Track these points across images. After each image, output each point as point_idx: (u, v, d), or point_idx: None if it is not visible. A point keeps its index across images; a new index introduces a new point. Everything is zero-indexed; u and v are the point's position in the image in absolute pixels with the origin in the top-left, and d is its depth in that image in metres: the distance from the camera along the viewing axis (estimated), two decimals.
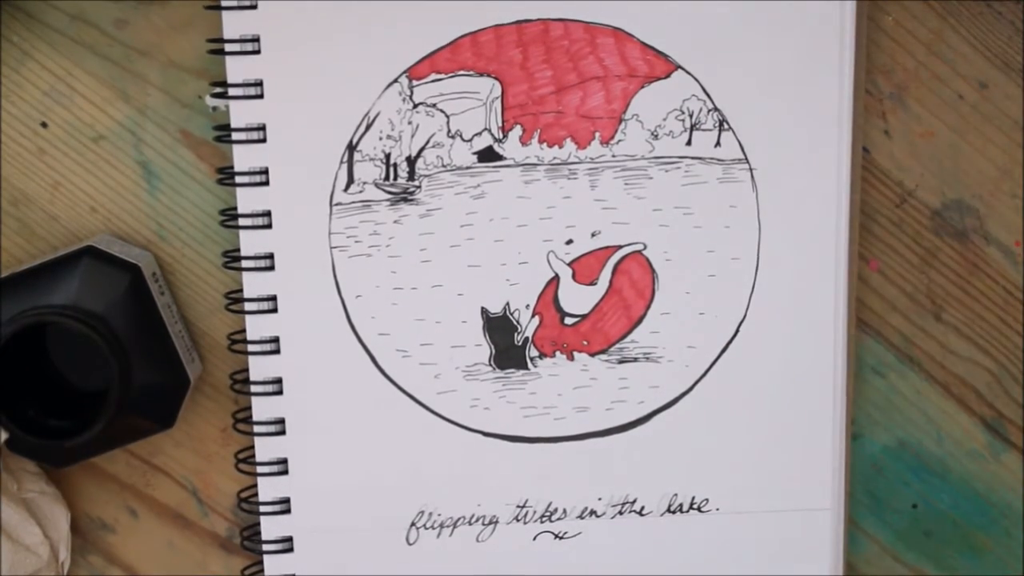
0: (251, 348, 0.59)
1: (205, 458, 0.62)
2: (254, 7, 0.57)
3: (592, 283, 0.60)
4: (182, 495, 0.62)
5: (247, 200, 0.58)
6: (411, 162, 0.58)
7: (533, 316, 0.60)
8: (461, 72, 0.58)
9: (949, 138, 0.61)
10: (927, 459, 0.64)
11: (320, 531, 0.61)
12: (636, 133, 0.59)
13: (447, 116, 0.58)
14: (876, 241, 0.62)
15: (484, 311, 0.60)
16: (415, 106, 0.58)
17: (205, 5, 0.58)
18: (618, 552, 0.62)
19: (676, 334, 0.61)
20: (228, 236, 0.60)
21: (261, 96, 0.57)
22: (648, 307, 0.60)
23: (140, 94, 0.59)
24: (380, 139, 0.58)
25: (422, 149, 0.58)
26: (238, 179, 0.58)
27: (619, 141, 0.59)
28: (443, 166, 0.58)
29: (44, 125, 0.59)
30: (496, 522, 0.62)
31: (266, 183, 0.58)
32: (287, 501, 0.60)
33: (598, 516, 0.62)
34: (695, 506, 0.62)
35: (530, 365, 0.60)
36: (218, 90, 0.58)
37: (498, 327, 0.60)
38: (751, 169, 0.59)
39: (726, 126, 0.59)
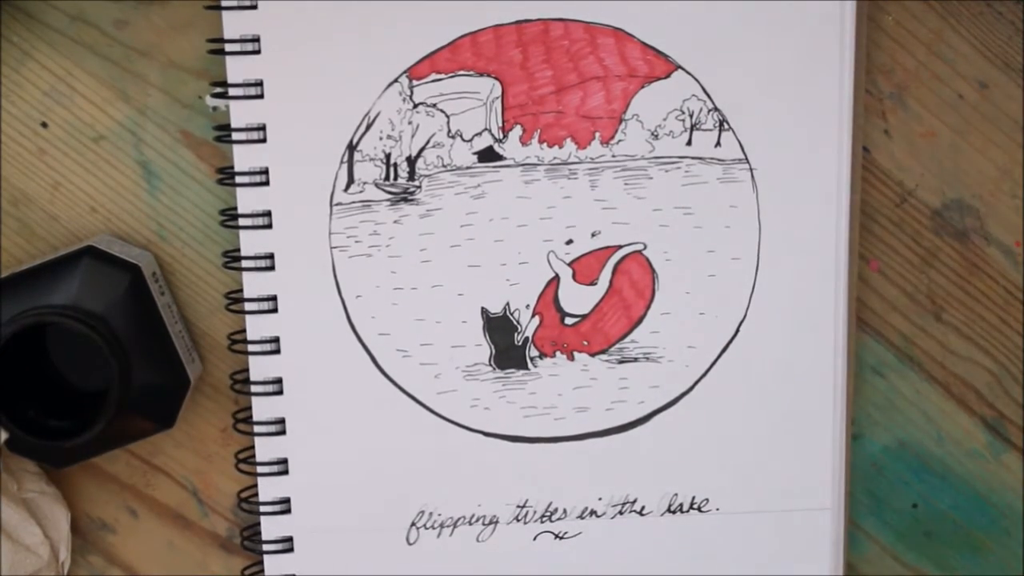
0: (251, 348, 0.59)
1: (205, 458, 0.62)
2: (254, 7, 0.57)
3: (592, 283, 0.60)
4: (182, 495, 0.62)
5: (247, 200, 0.58)
6: (411, 162, 0.58)
7: (533, 316, 0.60)
8: (461, 72, 0.58)
9: (949, 138, 0.61)
10: (927, 459, 0.64)
11: (320, 531, 0.61)
12: (636, 133, 0.59)
13: (447, 116, 0.58)
14: (876, 241, 0.62)
15: (484, 311, 0.60)
16: (415, 106, 0.58)
17: (205, 5, 0.58)
18: (618, 552, 0.62)
19: (676, 334, 0.61)
20: (228, 236, 0.60)
21: (261, 96, 0.57)
22: (648, 307, 0.60)
23: (140, 94, 0.59)
24: (380, 139, 0.58)
25: (422, 149, 0.58)
26: (238, 179, 0.58)
27: (619, 141, 0.59)
28: (443, 166, 0.58)
29: (44, 125, 0.59)
30: (496, 522, 0.62)
31: (266, 183, 0.58)
32: (287, 501, 0.60)
33: (598, 516, 0.62)
34: (695, 506, 0.62)
35: (530, 365, 0.60)
36: (218, 90, 0.58)
37: (498, 327, 0.60)
38: (751, 169, 0.59)
39: (726, 126, 0.59)
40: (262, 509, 0.60)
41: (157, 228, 0.60)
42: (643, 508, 0.62)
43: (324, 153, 0.58)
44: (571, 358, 0.61)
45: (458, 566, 0.62)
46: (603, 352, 0.61)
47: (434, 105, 0.58)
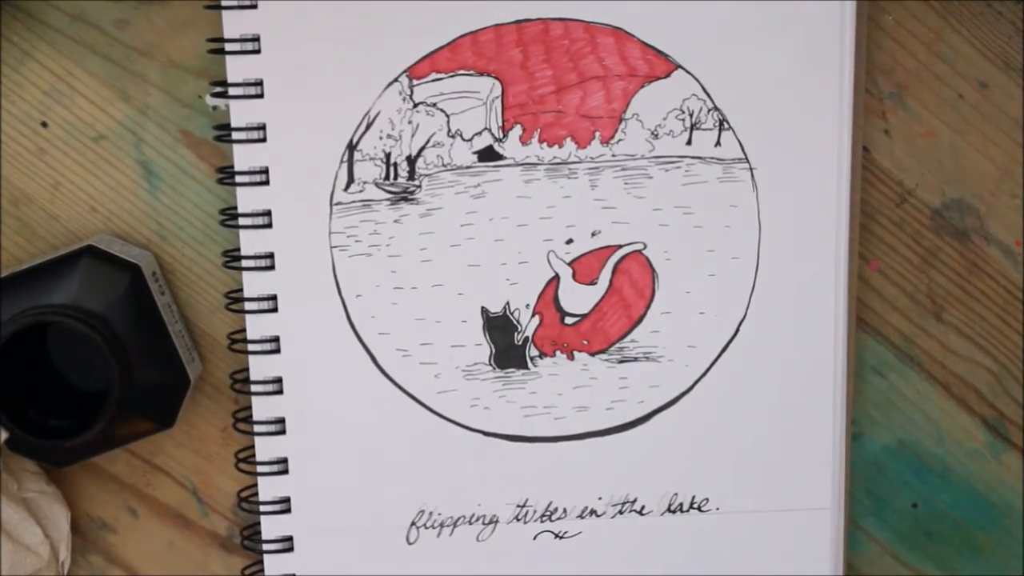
0: (251, 348, 0.59)
1: (205, 458, 0.62)
2: (254, 7, 0.57)
3: (592, 283, 0.60)
4: (182, 495, 0.62)
5: (247, 200, 0.58)
6: (411, 161, 0.58)
7: (533, 316, 0.60)
8: (461, 72, 0.58)
9: (949, 138, 0.61)
10: (927, 459, 0.64)
11: (320, 531, 0.61)
12: (636, 133, 0.59)
13: (447, 115, 0.58)
14: (876, 241, 0.62)
15: (484, 311, 0.60)
16: (415, 105, 0.58)
17: (205, 5, 0.58)
18: (618, 552, 0.62)
19: (676, 334, 0.61)
20: (228, 236, 0.60)
21: (261, 96, 0.57)
22: (648, 307, 0.60)
23: (140, 94, 0.59)
24: (380, 138, 0.58)
25: (422, 148, 0.58)
26: (238, 179, 0.58)
27: (619, 141, 0.59)
28: (443, 165, 0.59)
29: (44, 125, 0.59)
30: (496, 522, 0.62)
31: (266, 183, 0.58)
32: (287, 501, 0.60)
33: (598, 516, 0.62)
34: (695, 506, 0.62)
35: (530, 365, 0.60)
36: (218, 90, 0.58)
37: (498, 327, 0.60)
38: (751, 169, 0.59)
39: (726, 126, 0.59)
40: (262, 509, 0.60)
41: (157, 228, 0.60)
42: (643, 508, 0.62)
43: (324, 153, 0.58)
44: (571, 358, 0.61)
45: (458, 566, 0.62)
46: (603, 352, 0.61)
47: (434, 105, 0.58)
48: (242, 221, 0.58)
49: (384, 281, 0.59)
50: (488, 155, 0.59)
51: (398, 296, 0.59)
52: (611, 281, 0.60)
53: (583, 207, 0.59)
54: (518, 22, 0.58)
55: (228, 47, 0.57)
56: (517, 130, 0.58)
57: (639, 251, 0.60)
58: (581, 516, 0.62)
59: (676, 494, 0.62)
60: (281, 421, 0.60)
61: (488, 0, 0.57)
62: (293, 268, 0.59)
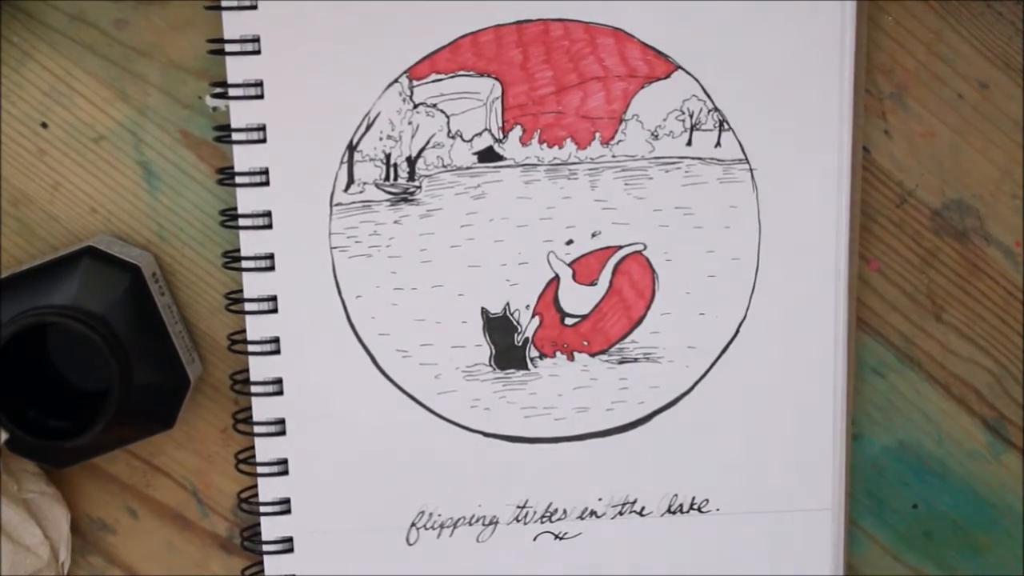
0: (251, 348, 0.59)
1: (205, 458, 0.62)
2: (254, 7, 0.57)
3: (592, 283, 0.60)
4: (182, 495, 0.62)
5: (247, 200, 0.58)
6: (411, 162, 0.58)
7: (533, 316, 0.60)
8: (461, 72, 0.58)
9: (949, 138, 0.61)
10: (927, 459, 0.64)
11: (320, 531, 0.61)
12: (636, 133, 0.59)
13: (447, 116, 0.58)
14: (876, 241, 0.62)
15: (484, 311, 0.60)
16: (415, 106, 0.58)
17: (205, 5, 0.58)
18: (618, 552, 0.62)
19: (676, 334, 0.61)
20: (228, 236, 0.60)
21: (261, 96, 0.57)
22: (648, 307, 0.60)
23: (140, 94, 0.59)
24: (380, 139, 0.58)
25: (422, 149, 0.58)
26: (238, 179, 0.58)
27: (619, 141, 0.59)
28: (443, 166, 0.58)
29: (44, 125, 0.59)
30: (496, 522, 0.62)
31: (266, 183, 0.58)
32: (287, 501, 0.60)
33: (598, 516, 0.62)
34: (695, 506, 0.62)
35: (530, 365, 0.60)
36: (218, 90, 0.58)
37: (498, 327, 0.60)
38: (751, 169, 0.59)
39: (726, 126, 0.59)
40: (262, 509, 0.60)
41: (157, 228, 0.60)
42: (643, 508, 0.62)
43: (324, 153, 0.58)
44: (571, 358, 0.61)
45: (458, 566, 0.62)
46: (603, 352, 0.61)
47: (434, 105, 0.58)
48: (242, 222, 0.58)
49: (384, 282, 0.59)
50: (488, 156, 0.59)
51: (398, 297, 0.59)
52: (611, 282, 0.60)
53: (583, 208, 0.59)
54: (518, 23, 0.58)
55: (228, 47, 0.57)
56: (517, 131, 0.58)
57: (639, 252, 0.60)
58: (581, 517, 0.62)
59: (676, 495, 0.62)
60: (281, 422, 0.60)
61: (488, 0, 0.57)
62: (293, 269, 0.59)
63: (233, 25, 0.57)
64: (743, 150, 0.59)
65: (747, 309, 0.61)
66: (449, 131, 0.58)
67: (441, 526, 0.61)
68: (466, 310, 0.60)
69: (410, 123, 0.58)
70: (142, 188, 0.60)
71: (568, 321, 0.60)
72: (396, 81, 0.58)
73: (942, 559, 0.65)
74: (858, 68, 0.59)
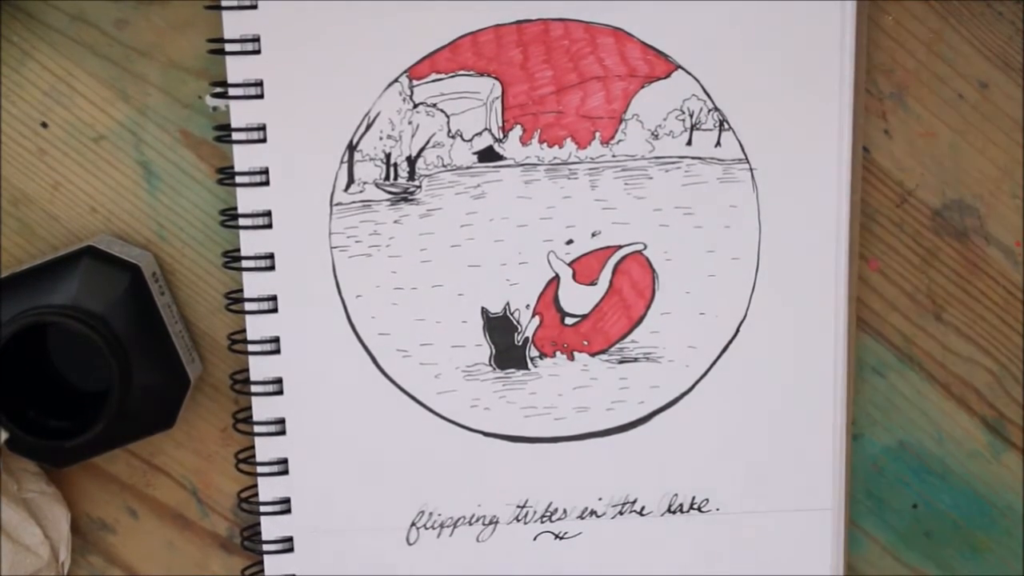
0: (251, 348, 0.59)
1: (205, 458, 0.62)
2: (254, 7, 0.57)
3: (592, 283, 0.60)
4: (182, 495, 0.62)
5: (247, 200, 0.58)
6: (411, 162, 0.58)
7: (533, 316, 0.60)
8: (461, 72, 0.58)
9: (949, 138, 0.61)
10: (927, 459, 0.64)
11: (320, 531, 0.61)
12: (636, 133, 0.59)
13: (447, 116, 0.58)
14: (876, 241, 0.62)
15: (484, 311, 0.60)
16: (415, 106, 0.58)
17: (205, 5, 0.58)
18: (618, 552, 0.62)
19: (676, 334, 0.61)
20: (228, 236, 0.60)
21: (261, 96, 0.57)
22: (648, 307, 0.60)
23: (140, 94, 0.59)
24: (380, 139, 0.58)
25: (422, 149, 0.58)
26: (238, 179, 0.58)
27: (619, 141, 0.59)
28: (443, 166, 0.58)
29: (44, 125, 0.59)
30: (496, 522, 0.62)
31: (266, 183, 0.58)
32: (287, 501, 0.60)
33: (598, 516, 0.62)
34: (695, 506, 0.62)
35: (530, 365, 0.60)
36: (218, 90, 0.58)
37: (498, 327, 0.60)
38: (751, 169, 0.59)
39: (726, 126, 0.59)
40: (262, 509, 0.60)
41: (157, 228, 0.60)
42: (643, 508, 0.62)
43: (324, 153, 0.58)
44: (571, 358, 0.61)
45: (458, 566, 0.62)
46: (603, 352, 0.61)
47: (434, 105, 0.58)
48: (242, 221, 0.58)
49: (384, 281, 0.59)
50: (488, 155, 0.59)
51: (398, 296, 0.59)
52: (611, 281, 0.60)
53: (583, 207, 0.59)
54: (518, 22, 0.58)
55: (228, 47, 0.57)
56: (517, 130, 0.58)
57: (639, 251, 0.60)
58: (581, 517, 0.62)
59: (676, 495, 0.62)
60: (281, 421, 0.60)
61: (488, 0, 0.57)
62: (293, 269, 0.59)
63: (233, 25, 0.57)
64: (743, 150, 0.59)
65: (747, 309, 0.61)
66: (449, 131, 0.58)
67: (441, 526, 0.61)
68: (466, 310, 0.60)
69: (410, 123, 0.58)
70: (142, 188, 0.60)
71: (568, 321, 0.60)
72: (396, 81, 0.58)
73: (942, 559, 0.65)
74: (858, 68, 0.59)
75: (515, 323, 0.60)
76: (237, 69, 0.57)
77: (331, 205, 0.58)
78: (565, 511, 0.62)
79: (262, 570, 0.61)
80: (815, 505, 0.62)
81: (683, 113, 0.59)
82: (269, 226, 0.58)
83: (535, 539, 0.62)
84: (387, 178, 0.58)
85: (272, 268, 0.58)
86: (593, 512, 0.62)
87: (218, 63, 0.58)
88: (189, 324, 0.61)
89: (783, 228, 0.60)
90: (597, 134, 0.59)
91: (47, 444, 0.56)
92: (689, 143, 0.59)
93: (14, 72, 0.58)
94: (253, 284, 0.59)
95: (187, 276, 0.60)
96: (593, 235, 0.60)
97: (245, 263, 0.58)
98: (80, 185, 0.59)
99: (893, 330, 0.63)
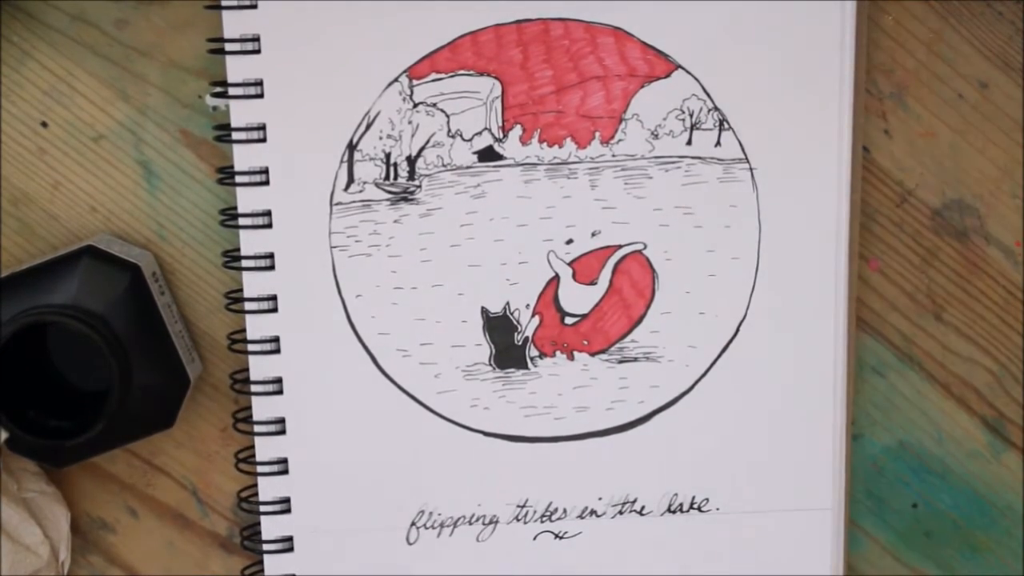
0: (251, 348, 0.59)
1: (205, 458, 0.62)
2: (254, 7, 0.57)
3: (592, 283, 0.60)
4: (182, 495, 0.62)
5: (247, 200, 0.58)
6: (411, 162, 0.58)
7: (533, 316, 0.60)
8: (461, 72, 0.58)
9: (949, 138, 0.61)
10: (927, 459, 0.64)
11: (320, 531, 0.61)
12: (636, 133, 0.59)
13: (447, 116, 0.58)
14: (876, 241, 0.62)
15: (484, 311, 0.60)
16: (415, 106, 0.58)
17: (205, 5, 0.58)
18: (618, 552, 0.62)
19: (676, 334, 0.61)
20: (228, 236, 0.60)
21: (261, 96, 0.57)
22: (648, 307, 0.60)
23: (140, 94, 0.59)
24: (380, 139, 0.58)
25: (422, 149, 0.58)
26: (238, 179, 0.58)
27: (619, 141, 0.59)
28: (443, 166, 0.59)
29: (44, 125, 0.59)
30: (496, 522, 0.62)
31: (266, 183, 0.58)
32: (287, 501, 0.60)
33: (598, 516, 0.62)
34: (695, 506, 0.62)
35: (530, 365, 0.60)
36: (218, 90, 0.58)
37: (498, 327, 0.60)
38: (751, 169, 0.59)
39: (726, 126, 0.59)
40: (262, 509, 0.60)
41: (157, 228, 0.60)
42: (643, 508, 0.62)
43: (324, 153, 0.58)
44: (571, 358, 0.61)
45: (458, 566, 0.62)
46: (603, 352, 0.61)
47: (434, 105, 0.58)
48: (242, 221, 0.58)
49: (384, 281, 0.59)
50: (488, 155, 0.59)
51: (398, 296, 0.59)
52: (611, 281, 0.60)
53: (583, 207, 0.59)
54: (518, 22, 0.58)
55: (228, 47, 0.57)
56: (517, 130, 0.58)
57: (639, 251, 0.60)
58: (581, 516, 0.62)
59: (676, 494, 0.62)
60: (281, 421, 0.60)
61: (488, 0, 0.57)
62: (293, 268, 0.59)
63: (233, 25, 0.57)
64: (743, 149, 0.59)
65: (747, 309, 0.61)
66: (449, 130, 0.58)
67: (441, 526, 0.61)
68: (466, 309, 0.60)
69: (410, 122, 0.58)
70: (142, 187, 0.60)
71: (568, 320, 0.60)
72: (396, 80, 0.58)
73: (942, 559, 0.65)
74: (858, 68, 0.59)
75: (515, 323, 0.60)
76: (237, 69, 0.57)
77: (331, 205, 0.58)
78: (565, 511, 0.62)
79: (262, 570, 0.61)
80: (815, 505, 0.62)
81: (683, 113, 0.59)
82: (269, 226, 0.58)
83: (535, 539, 0.62)
84: (387, 178, 0.58)
85: (272, 268, 0.58)
86: (593, 512, 0.62)
87: (218, 63, 0.58)
88: (189, 324, 0.61)
89: (783, 228, 0.60)
90: (597, 134, 0.59)
91: (47, 444, 0.56)
92: (689, 143, 0.59)
93: (14, 72, 0.58)
94: (253, 284, 0.59)
95: (187, 276, 0.60)
96: (593, 235, 0.60)
97: (245, 263, 0.58)
98: (80, 185, 0.59)
99: (893, 330, 0.63)
